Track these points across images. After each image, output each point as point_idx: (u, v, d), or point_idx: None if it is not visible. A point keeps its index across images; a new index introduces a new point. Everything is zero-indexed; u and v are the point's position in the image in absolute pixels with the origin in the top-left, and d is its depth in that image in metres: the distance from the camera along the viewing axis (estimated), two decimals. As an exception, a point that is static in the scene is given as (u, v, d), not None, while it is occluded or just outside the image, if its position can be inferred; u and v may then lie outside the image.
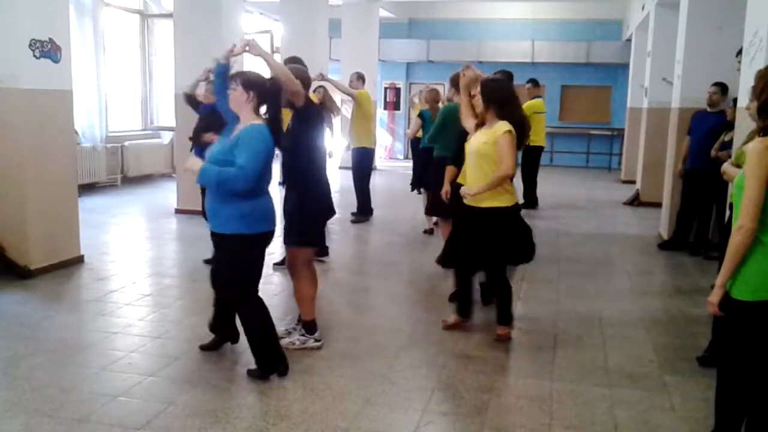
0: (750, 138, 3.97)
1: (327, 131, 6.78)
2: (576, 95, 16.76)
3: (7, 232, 5.64)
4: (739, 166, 3.64)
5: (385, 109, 17.54)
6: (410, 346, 4.43)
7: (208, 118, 5.59)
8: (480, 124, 4.44)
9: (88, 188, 10.01)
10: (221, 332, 4.20)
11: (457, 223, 4.66)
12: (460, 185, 4.63)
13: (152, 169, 11.79)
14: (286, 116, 4.10)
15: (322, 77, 8.12)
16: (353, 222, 8.58)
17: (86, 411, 3.34)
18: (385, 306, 5.31)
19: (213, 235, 3.83)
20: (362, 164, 8.79)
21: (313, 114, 4.16)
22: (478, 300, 5.34)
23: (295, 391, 3.68)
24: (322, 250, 6.25)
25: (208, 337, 4.22)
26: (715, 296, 2.73)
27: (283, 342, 4.21)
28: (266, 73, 3.89)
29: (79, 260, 6.16)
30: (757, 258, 2.62)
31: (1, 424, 3.21)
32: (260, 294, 3.79)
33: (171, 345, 4.27)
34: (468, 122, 4.59)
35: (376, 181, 10.51)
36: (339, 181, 11.88)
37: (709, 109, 7.08)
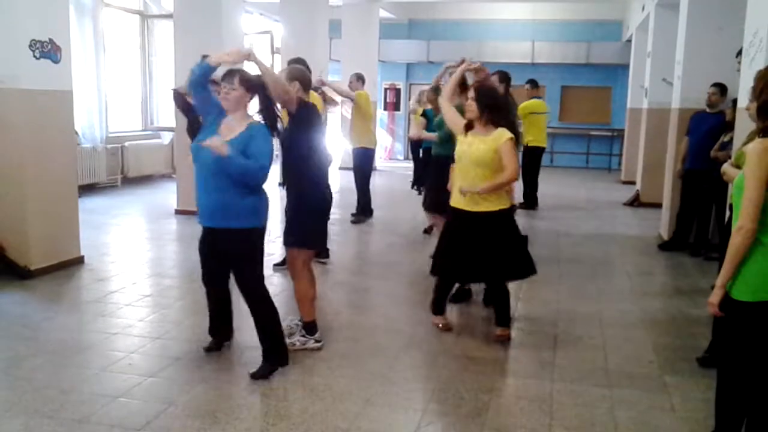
0: (750, 139, 3.97)
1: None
2: (576, 96, 16.76)
3: (8, 232, 5.64)
4: (739, 166, 3.64)
5: (385, 109, 17.53)
6: (410, 346, 4.43)
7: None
8: (469, 127, 4.41)
9: (88, 189, 10.01)
10: (221, 332, 4.21)
11: (450, 232, 4.55)
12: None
13: (152, 169, 11.79)
14: (285, 117, 4.12)
15: (323, 83, 8.13)
16: (353, 222, 8.59)
17: (86, 412, 3.34)
18: (386, 306, 5.30)
19: (216, 232, 3.75)
20: (362, 164, 8.79)
21: (309, 115, 4.15)
22: (479, 301, 5.35)
23: (296, 391, 3.68)
24: (323, 252, 6.25)
25: (209, 338, 4.22)
26: (715, 297, 2.73)
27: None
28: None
29: (79, 261, 6.16)
30: (757, 259, 2.62)
31: (1, 425, 3.21)
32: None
33: (171, 346, 4.27)
34: (450, 108, 4.58)
35: (376, 182, 10.50)
36: (339, 181, 11.89)
37: (708, 110, 7.08)
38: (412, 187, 10.92)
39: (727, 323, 2.75)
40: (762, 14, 4.62)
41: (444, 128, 5.65)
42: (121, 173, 11.12)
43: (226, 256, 3.83)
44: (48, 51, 5.65)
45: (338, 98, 8.96)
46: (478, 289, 5.38)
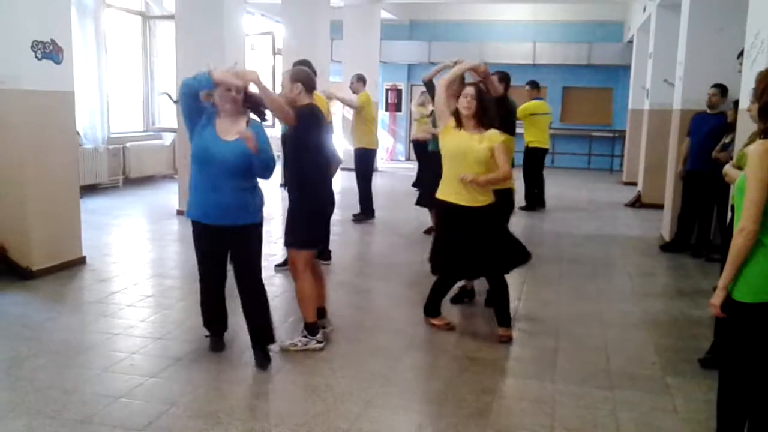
0: (751, 140, 3.97)
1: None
2: (577, 97, 16.76)
3: (9, 233, 5.65)
4: (740, 168, 3.64)
5: (386, 110, 17.54)
6: (412, 347, 4.43)
7: None
8: (459, 124, 4.44)
9: (89, 189, 10.02)
10: (220, 324, 4.26)
11: (449, 228, 4.56)
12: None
13: (154, 170, 11.80)
14: None
15: (330, 96, 8.19)
16: (355, 221, 8.59)
17: (88, 412, 3.34)
18: (387, 307, 5.31)
19: (227, 230, 3.84)
20: (363, 165, 8.79)
21: (311, 117, 4.16)
22: (480, 301, 5.35)
23: (297, 392, 3.69)
24: (325, 254, 6.25)
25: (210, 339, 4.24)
26: (716, 298, 2.73)
27: (285, 344, 4.23)
28: (264, 73, 3.94)
29: (81, 261, 6.17)
30: (758, 260, 2.62)
31: (4, 426, 3.22)
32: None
33: (173, 346, 4.27)
34: (444, 108, 4.56)
35: (377, 183, 10.51)
36: (340, 182, 11.88)
37: (708, 111, 7.08)
38: (413, 185, 10.93)
39: (729, 324, 2.75)
40: (763, 16, 4.62)
41: None
42: (122, 174, 11.13)
43: (237, 252, 3.95)
44: (50, 52, 5.65)
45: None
46: (480, 289, 5.39)
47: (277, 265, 6.19)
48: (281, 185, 10.47)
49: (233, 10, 8.53)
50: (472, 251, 4.44)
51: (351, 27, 14.10)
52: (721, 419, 2.88)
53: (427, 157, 6.96)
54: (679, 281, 6.42)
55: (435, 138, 6.01)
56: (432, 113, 8.11)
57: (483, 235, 4.42)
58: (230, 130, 3.76)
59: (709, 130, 6.87)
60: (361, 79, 9.03)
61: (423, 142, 9.46)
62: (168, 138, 11.87)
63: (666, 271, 6.85)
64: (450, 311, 4.99)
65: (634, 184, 11.87)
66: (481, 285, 5.46)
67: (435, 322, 4.73)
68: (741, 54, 5.49)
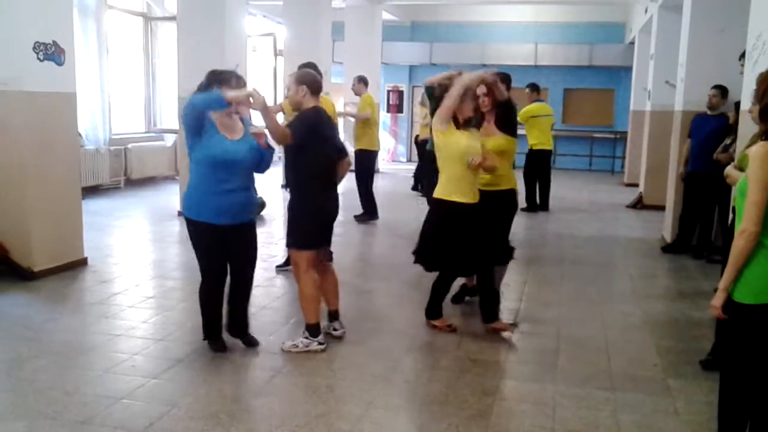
0: (753, 142, 3.96)
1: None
2: (579, 98, 16.75)
3: (11, 234, 5.65)
4: (742, 169, 3.63)
5: (387, 111, 17.54)
6: (413, 348, 4.43)
7: None
8: (466, 124, 4.54)
9: (91, 191, 10.02)
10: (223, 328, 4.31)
11: (450, 231, 4.52)
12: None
13: (155, 171, 11.80)
14: (289, 114, 4.16)
15: (344, 115, 8.23)
16: (357, 221, 8.59)
17: (89, 413, 3.35)
18: (388, 308, 5.31)
19: (237, 229, 4.02)
20: (363, 167, 8.79)
21: (313, 119, 4.17)
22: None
23: (298, 393, 3.69)
24: (326, 255, 6.24)
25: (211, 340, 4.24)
26: (717, 299, 2.73)
27: (286, 345, 4.23)
28: (265, 75, 4.02)
29: (83, 262, 6.17)
30: (759, 261, 2.62)
31: (5, 427, 3.22)
32: (263, 296, 3.88)
33: (174, 347, 4.28)
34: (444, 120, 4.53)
35: (378, 184, 10.51)
36: (342, 183, 11.86)
37: (709, 112, 7.08)
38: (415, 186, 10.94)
39: (730, 326, 2.75)
40: (765, 17, 4.61)
41: None
42: (124, 175, 11.14)
43: (243, 249, 4.13)
44: (52, 53, 5.66)
45: (342, 99, 9.00)
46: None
47: (278, 266, 6.19)
48: (282, 186, 10.48)
49: (235, 12, 8.54)
50: (472, 247, 4.49)
51: (352, 28, 14.11)
52: (722, 421, 2.88)
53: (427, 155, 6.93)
54: (680, 283, 6.41)
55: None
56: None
57: (482, 230, 4.52)
58: (233, 130, 3.94)
59: (710, 132, 6.87)
60: (362, 81, 9.04)
61: (425, 141, 9.48)
62: (169, 139, 11.88)
63: (667, 272, 6.84)
64: (451, 312, 4.99)
65: (636, 185, 11.86)
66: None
67: (436, 323, 4.73)
68: (743, 55, 5.49)
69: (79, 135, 8.61)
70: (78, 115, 6.29)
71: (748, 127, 4.49)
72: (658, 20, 10.28)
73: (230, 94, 3.72)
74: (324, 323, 4.42)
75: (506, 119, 4.88)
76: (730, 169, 4.05)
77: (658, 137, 10.07)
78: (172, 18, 10.25)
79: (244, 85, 3.98)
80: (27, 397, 3.52)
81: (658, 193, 9.48)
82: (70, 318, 4.86)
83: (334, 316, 4.51)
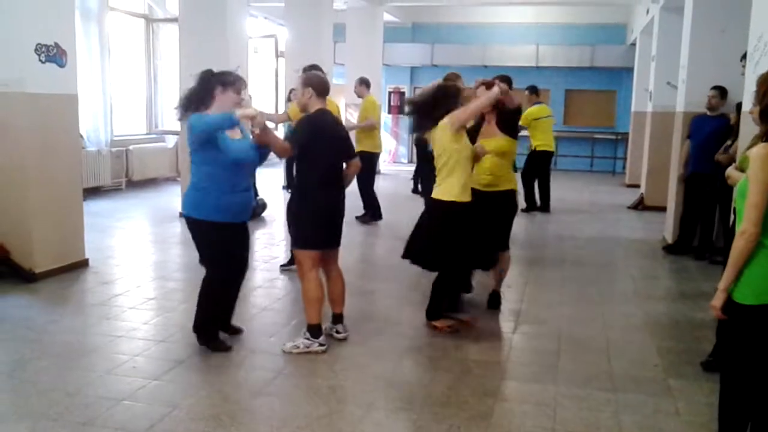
0: (753, 143, 3.96)
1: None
2: (580, 99, 16.75)
3: (12, 235, 5.66)
4: (743, 170, 3.63)
5: (389, 113, 17.55)
6: (414, 349, 4.43)
7: None
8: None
9: (92, 192, 10.04)
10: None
11: (453, 230, 4.53)
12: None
13: (157, 172, 11.82)
14: (294, 116, 4.18)
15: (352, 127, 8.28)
16: (360, 221, 8.59)
17: (91, 415, 3.35)
18: (389, 309, 5.31)
19: (242, 227, 4.28)
20: (365, 168, 8.77)
21: (317, 121, 4.18)
22: (482, 303, 5.35)
23: (299, 394, 3.69)
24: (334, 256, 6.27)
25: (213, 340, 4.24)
26: (717, 300, 2.73)
27: (287, 346, 4.23)
28: (267, 76, 4.09)
29: (84, 264, 6.18)
30: (760, 262, 2.62)
31: (7, 428, 3.23)
32: (265, 297, 3.90)
33: (175, 349, 4.28)
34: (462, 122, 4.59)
35: (379, 185, 10.51)
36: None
37: (708, 113, 7.07)
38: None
39: (730, 326, 2.75)
40: (766, 18, 4.62)
41: None
42: (125, 176, 11.15)
43: (245, 246, 4.40)
44: (53, 55, 5.67)
45: (343, 100, 9.01)
46: (483, 291, 5.38)
47: (282, 266, 6.21)
48: (284, 187, 10.49)
49: (236, 13, 8.55)
50: (472, 244, 4.56)
51: (354, 29, 14.11)
52: (723, 422, 2.88)
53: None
54: (681, 284, 6.41)
55: None
56: None
57: (480, 226, 4.61)
58: (236, 130, 4.13)
59: (710, 133, 6.87)
60: (364, 83, 9.04)
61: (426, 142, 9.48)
62: (171, 141, 11.90)
63: (668, 273, 6.84)
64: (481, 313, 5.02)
65: (637, 186, 11.86)
66: (483, 286, 5.48)
67: (437, 324, 4.73)
68: (744, 57, 5.48)
69: (81, 136, 8.62)
70: (80, 117, 6.31)
71: (749, 128, 4.50)
72: (659, 21, 10.29)
73: (239, 112, 3.96)
74: (326, 324, 4.42)
75: (510, 122, 4.91)
76: (731, 170, 4.04)
77: (659, 138, 10.07)
78: (174, 20, 10.27)
79: (246, 86, 4.09)
80: (29, 398, 3.53)
81: (660, 194, 9.48)
82: (71, 319, 4.86)
83: (338, 319, 4.50)
